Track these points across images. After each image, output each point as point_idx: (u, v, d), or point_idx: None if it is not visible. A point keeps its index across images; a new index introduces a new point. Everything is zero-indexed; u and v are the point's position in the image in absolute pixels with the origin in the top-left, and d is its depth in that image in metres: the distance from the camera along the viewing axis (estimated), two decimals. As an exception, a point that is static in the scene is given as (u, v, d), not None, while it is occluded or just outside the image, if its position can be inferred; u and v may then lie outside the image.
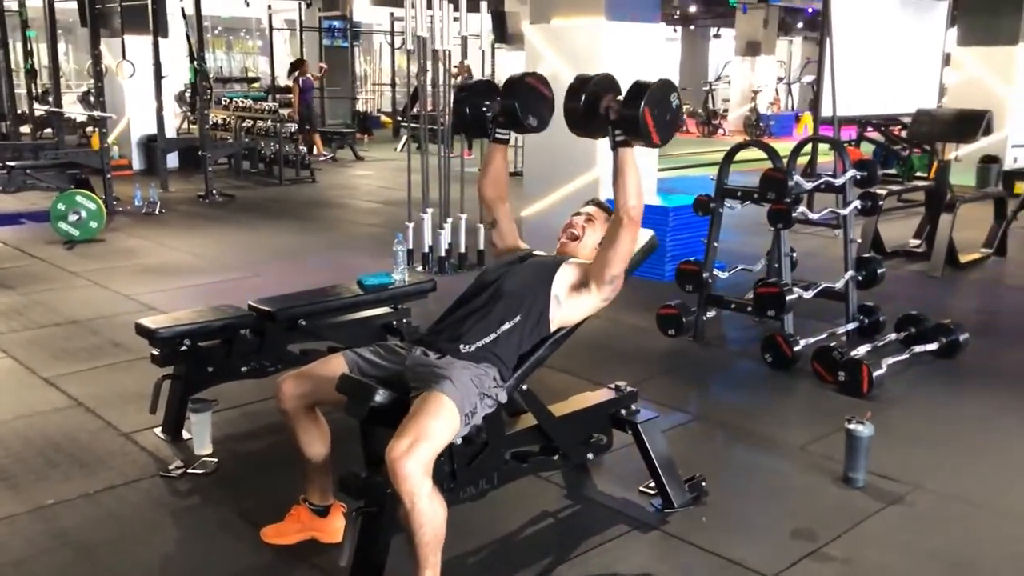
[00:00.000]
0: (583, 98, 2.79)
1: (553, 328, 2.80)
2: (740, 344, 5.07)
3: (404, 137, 16.20)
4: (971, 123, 6.87)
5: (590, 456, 3.13)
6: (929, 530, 3.05)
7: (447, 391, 2.47)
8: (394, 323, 4.27)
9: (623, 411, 3.19)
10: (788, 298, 4.52)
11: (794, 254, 5.00)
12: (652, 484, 3.22)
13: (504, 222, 3.10)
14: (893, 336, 4.85)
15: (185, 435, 3.66)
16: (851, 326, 4.98)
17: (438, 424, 2.39)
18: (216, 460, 3.46)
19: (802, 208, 4.67)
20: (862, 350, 4.50)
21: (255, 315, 3.80)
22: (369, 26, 22.42)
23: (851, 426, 3.33)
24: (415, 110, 14.19)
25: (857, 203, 4.97)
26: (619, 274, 2.79)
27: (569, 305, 2.80)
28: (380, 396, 2.51)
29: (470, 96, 3.04)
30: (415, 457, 2.29)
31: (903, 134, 11.14)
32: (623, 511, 3.13)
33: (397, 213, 9.27)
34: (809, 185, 4.74)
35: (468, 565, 2.80)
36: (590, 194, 6.61)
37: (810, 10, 14.65)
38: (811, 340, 4.62)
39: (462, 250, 6.71)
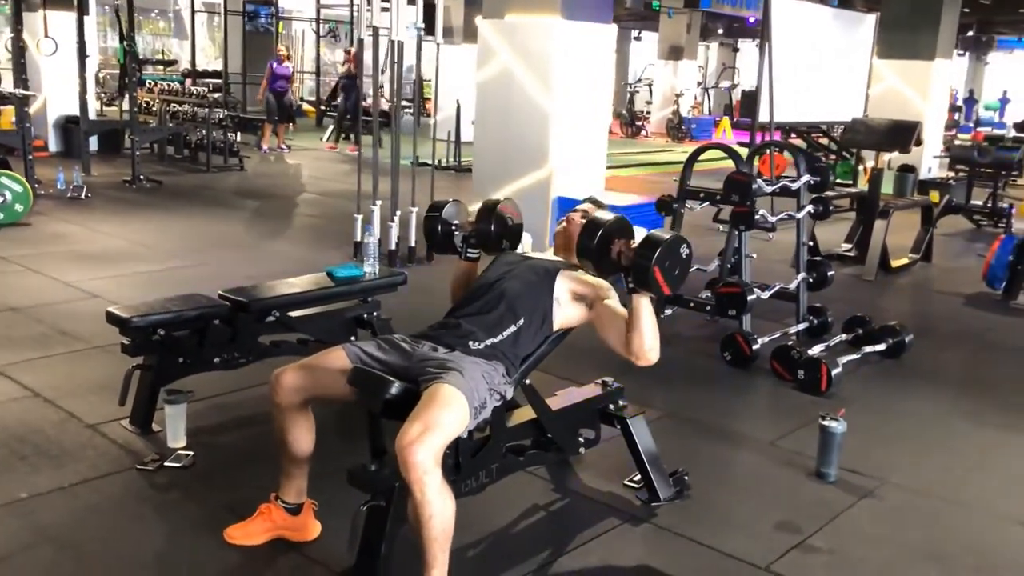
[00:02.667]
0: (596, 240, 2.77)
1: (556, 328, 2.85)
2: (697, 342, 5.18)
3: (330, 127, 16.02)
4: (905, 133, 7.18)
5: (582, 450, 3.17)
6: (902, 523, 3.18)
7: (458, 383, 2.47)
8: (365, 316, 4.23)
9: (611, 406, 3.25)
10: (749, 298, 4.65)
11: (754, 255, 5.13)
12: (636, 478, 3.29)
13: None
14: (843, 337, 5.04)
15: (155, 427, 3.56)
16: (802, 326, 5.15)
17: (449, 415, 2.39)
18: (192, 453, 3.36)
19: (763, 211, 4.80)
20: (817, 349, 4.67)
21: (228, 305, 3.71)
22: (288, 12, 22.01)
23: (825, 422, 3.45)
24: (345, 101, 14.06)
25: (810, 207, 5.14)
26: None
27: (569, 308, 2.85)
28: (396, 388, 2.49)
29: (441, 216, 3.14)
30: (426, 445, 2.28)
31: (823, 141, 11.58)
32: (611, 504, 3.17)
33: (335, 204, 9.18)
34: (770, 188, 4.88)
35: (468, 559, 2.80)
36: (541, 191, 6.70)
37: (752, 20, 14.96)
38: (766, 339, 4.76)
39: (412, 244, 6.67)
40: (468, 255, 3.13)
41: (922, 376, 4.77)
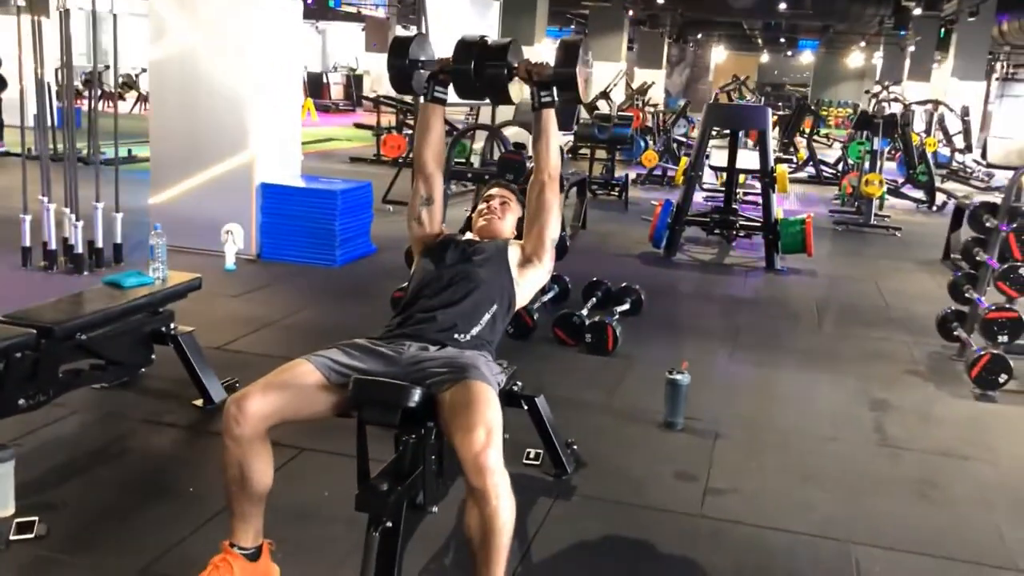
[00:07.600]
0: (505, 64, 2.75)
1: (516, 308, 2.76)
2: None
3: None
4: (566, 115, 7.81)
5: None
6: (764, 455, 3.59)
7: (483, 378, 2.36)
8: (163, 329, 3.66)
9: (515, 387, 3.23)
10: (530, 271, 4.81)
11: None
12: (532, 455, 3.35)
13: (438, 201, 2.90)
14: (592, 300, 5.43)
15: (-48, 499, 2.77)
16: (549, 295, 5.45)
17: (496, 412, 2.28)
18: (36, 519, 2.69)
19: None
20: (584, 313, 4.99)
21: (34, 333, 2.99)
22: None
23: (673, 376, 3.76)
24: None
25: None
26: (557, 236, 2.84)
27: (523, 285, 2.79)
28: (417, 395, 2.26)
29: (408, 52, 2.85)
30: (494, 448, 2.16)
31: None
32: (531, 486, 3.15)
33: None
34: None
35: (446, 568, 2.64)
36: (243, 177, 6.25)
37: (337, 2, 15.06)
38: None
39: (99, 244, 5.80)
40: (436, 94, 2.84)
41: (667, 327, 5.34)
